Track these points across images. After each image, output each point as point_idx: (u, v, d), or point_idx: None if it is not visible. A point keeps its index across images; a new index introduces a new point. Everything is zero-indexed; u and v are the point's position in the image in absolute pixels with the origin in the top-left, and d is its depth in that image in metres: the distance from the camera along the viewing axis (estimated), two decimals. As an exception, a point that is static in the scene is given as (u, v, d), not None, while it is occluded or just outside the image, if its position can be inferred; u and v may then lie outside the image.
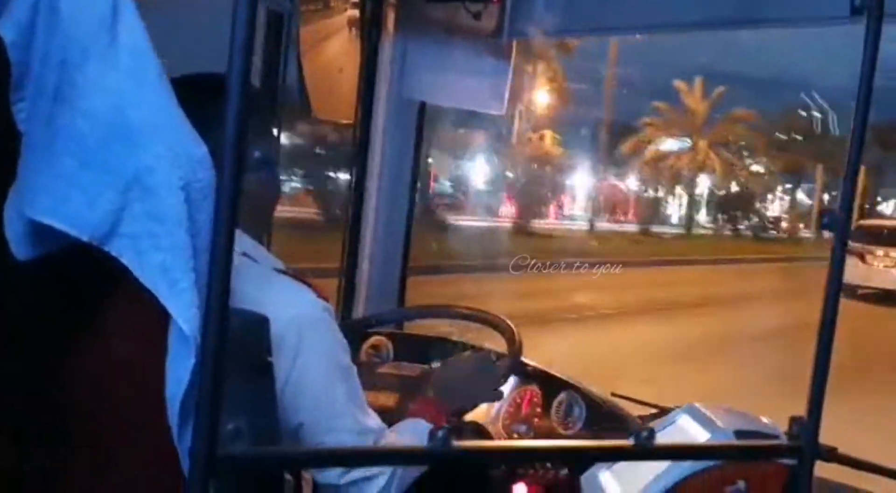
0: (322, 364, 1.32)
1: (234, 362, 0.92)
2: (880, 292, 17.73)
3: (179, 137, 1.02)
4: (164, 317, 1.01)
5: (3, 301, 1.15)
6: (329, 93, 2.66)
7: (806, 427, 1.15)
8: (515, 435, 2.03)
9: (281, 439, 1.22)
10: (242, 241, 1.37)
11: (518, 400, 2.10)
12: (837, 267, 1.17)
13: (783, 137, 42.04)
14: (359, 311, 2.70)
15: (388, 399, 1.82)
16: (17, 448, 1.19)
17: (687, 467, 1.47)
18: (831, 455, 1.80)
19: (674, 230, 38.37)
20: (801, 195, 46.59)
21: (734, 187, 42.96)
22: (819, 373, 1.14)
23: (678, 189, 42.93)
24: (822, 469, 1.78)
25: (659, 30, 2.64)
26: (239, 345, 1.05)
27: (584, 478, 1.68)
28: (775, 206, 47.72)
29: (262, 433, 1.08)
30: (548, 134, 32.91)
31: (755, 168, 43.62)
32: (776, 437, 1.51)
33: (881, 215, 37.41)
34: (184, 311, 0.99)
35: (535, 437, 2.03)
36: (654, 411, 2.11)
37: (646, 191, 42.32)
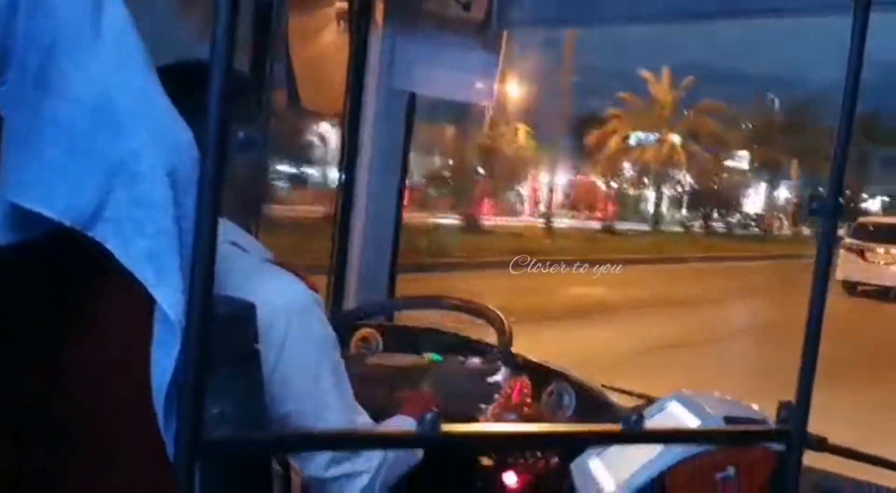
0: (310, 354, 1.31)
1: (221, 348, 0.92)
2: (880, 289, 18.02)
3: (165, 123, 1.02)
4: (150, 304, 1.01)
5: None
6: (318, 84, 2.65)
7: (794, 412, 1.15)
8: None
9: (268, 428, 1.21)
10: (231, 230, 1.36)
11: (508, 391, 2.10)
12: (825, 252, 1.17)
13: (758, 130, 41.19)
14: (349, 304, 2.69)
15: (378, 390, 1.82)
16: (12, 446, 1.18)
17: (677, 453, 1.47)
18: (822, 445, 1.80)
19: (641, 227, 36.85)
20: (777, 191, 45.80)
21: (708, 183, 42.04)
22: (808, 358, 1.15)
23: (646, 184, 41.81)
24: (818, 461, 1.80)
25: (651, 21, 2.65)
26: (225, 332, 1.05)
27: (574, 466, 1.68)
28: (749, 202, 46.67)
29: (248, 421, 1.07)
30: (521, 128, 32.62)
31: (728, 163, 42.70)
32: (765, 423, 1.51)
33: (867, 213, 37.58)
34: (169, 297, 0.98)
35: None
36: (644, 402, 2.11)
37: (609, 186, 41.02)
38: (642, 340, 10.75)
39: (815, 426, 1.38)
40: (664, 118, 38.56)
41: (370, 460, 1.38)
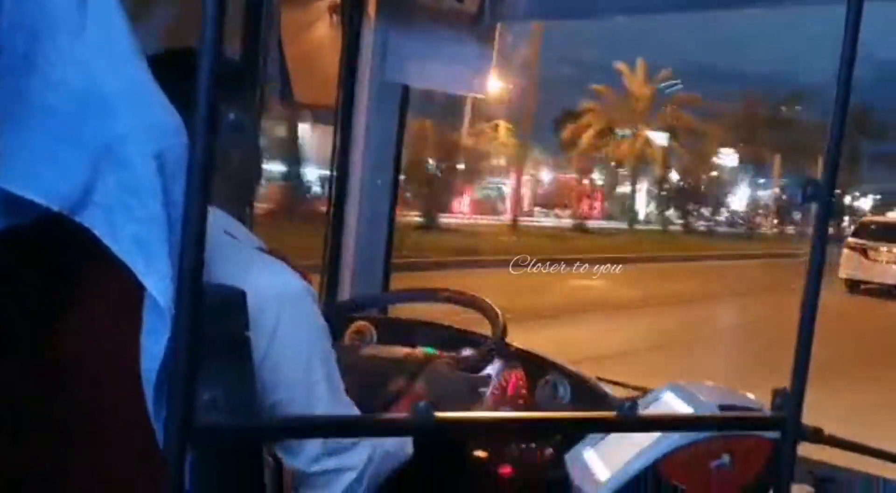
0: (301, 343, 1.30)
1: (211, 335, 0.91)
2: (883, 287, 18.18)
3: (153, 107, 1.01)
4: (139, 292, 1.00)
5: None
6: (310, 78, 2.65)
7: (789, 399, 1.15)
8: None
9: (258, 416, 1.20)
10: (223, 219, 1.35)
11: (503, 383, 2.09)
12: (820, 239, 1.17)
13: (740, 124, 39.69)
14: (343, 298, 2.68)
15: (370, 380, 1.81)
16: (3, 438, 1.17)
17: (671, 441, 1.47)
18: (817, 436, 1.80)
19: (617, 225, 35.72)
20: (760, 188, 44.50)
21: (687, 179, 40.84)
22: (803, 346, 1.14)
23: (621, 181, 40.42)
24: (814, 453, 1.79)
25: (645, 12, 2.64)
26: (215, 319, 1.04)
27: (569, 456, 1.67)
28: (732, 199, 45.52)
29: (239, 408, 1.06)
30: (502, 124, 31.90)
31: (710, 159, 41.33)
32: (760, 411, 1.51)
33: (856, 212, 37.50)
34: (158, 283, 0.97)
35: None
36: (639, 394, 2.10)
37: (582, 183, 39.64)
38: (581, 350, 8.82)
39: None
40: (639, 112, 37.36)
41: (359, 455, 1.35)
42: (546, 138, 36.60)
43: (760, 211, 44.10)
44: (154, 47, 1.32)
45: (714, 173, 42.43)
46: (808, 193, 1.13)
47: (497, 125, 32.00)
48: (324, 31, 2.67)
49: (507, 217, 31.75)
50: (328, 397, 1.32)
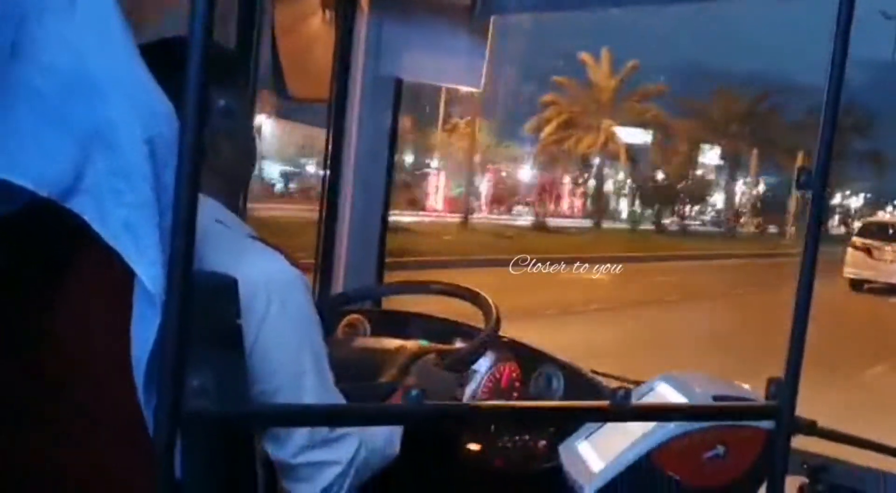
0: (290, 331, 1.28)
1: (202, 322, 0.91)
2: (887, 286, 18.54)
3: (143, 92, 1.00)
4: (129, 278, 0.99)
5: None
6: (304, 72, 2.63)
7: (783, 388, 1.14)
8: None
9: (249, 403, 1.19)
10: (215, 209, 1.35)
11: (497, 375, 2.08)
12: (815, 227, 1.17)
13: (715, 119, 37.72)
14: (336, 291, 2.67)
15: (362, 372, 1.80)
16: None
17: (665, 432, 1.46)
18: (811, 429, 1.80)
19: (581, 224, 34.07)
20: (737, 185, 42.25)
21: (659, 176, 38.90)
22: (797, 335, 1.14)
23: (586, 177, 38.16)
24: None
25: (639, 3, 2.63)
26: (207, 306, 1.03)
27: (563, 448, 1.67)
28: (708, 197, 43.57)
29: (230, 395, 1.06)
30: (476, 120, 30.61)
31: (677, 154, 38.92)
32: (754, 402, 1.50)
33: (847, 212, 37.12)
34: (148, 269, 0.96)
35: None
36: (633, 387, 2.10)
37: (538, 178, 37.63)
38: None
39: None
40: (604, 105, 35.17)
41: (346, 449, 1.33)
42: (522, 134, 35.52)
43: (740, 209, 42.31)
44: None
45: (687, 170, 40.48)
46: (802, 181, 1.13)
47: (471, 120, 30.81)
48: (317, 25, 2.66)
49: (477, 216, 30.81)
50: (316, 388, 1.30)
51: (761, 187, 42.69)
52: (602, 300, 14.73)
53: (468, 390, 2.03)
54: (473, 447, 1.92)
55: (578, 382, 2.03)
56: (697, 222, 41.35)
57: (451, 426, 1.86)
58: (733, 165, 40.68)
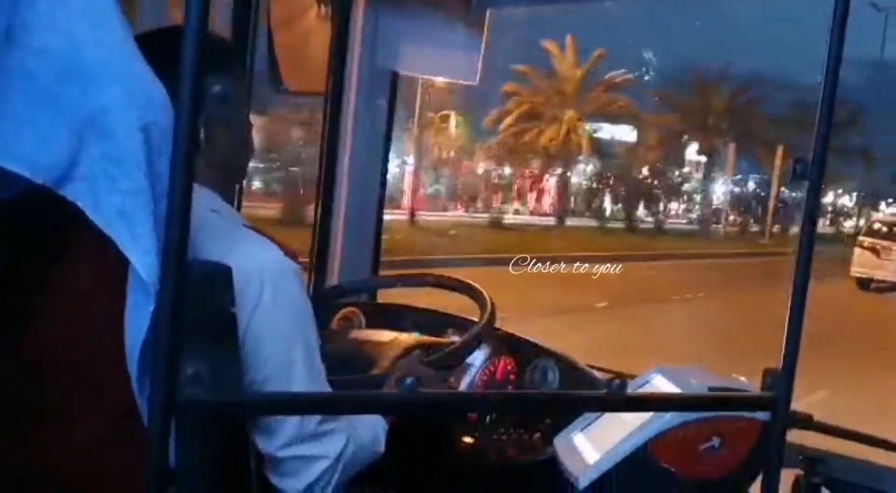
0: (282, 321, 1.27)
1: (196, 310, 0.90)
2: (892, 285, 18.91)
3: (138, 79, 0.99)
4: (124, 266, 0.99)
5: None
6: (299, 64, 2.63)
7: (779, 379, 1.14)
8: None
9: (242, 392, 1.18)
10: (210, 199, 1.34)
11: (492, 369, 2.08)
12: (811, 218, 1.17)
13: (690, 112, 35.38)
14: (331, 284, 2.67)
15: (355, 363, 1.80)
16: None
17: (661, 423, 1.46)
18: (807, 423, 1.80)
19: (545, 221, 31.95)
20: (714, 182, 39.21)
21: (627, 172, 36.80)
22: (794, 326, 1.14)
23: (551, 173, 35.53)
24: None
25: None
26: (201, 294, 1.03)
27: (557, 440, 1.66)
28: (684, 194, 41.23)
29: (224, 384, 1.05)
30: (452, 115, 29.73)
31: (646, 146, 36.65)
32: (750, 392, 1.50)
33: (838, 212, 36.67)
34: (142, 256, 0.96)
35: None
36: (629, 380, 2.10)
37: (500, 173, 35.54)
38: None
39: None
40: (568, 96, 32.86)
41: (335, 444, 1.32)
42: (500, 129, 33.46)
43: (718, 206, 39.33)
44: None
45: (661, 165, 38.13)
46: (798, 172, 1.13)
47: (447, 116, 29.90)
48: (313, 18, 2.65)
49: (452, 213, 29.67)
50: (305, 379, 1.29)
51: (741, 184, 41.25)
52: (513, 306, 12.79)
53: (463, 384, 2.03)
54: (468, 439, 1.92)
55: (574, 375, 2.03)
56: (679, 221, 39.60)
57: (445, 417, 1.85)
58: (711, 160, 38.25)
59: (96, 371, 1.09)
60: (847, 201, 46.58)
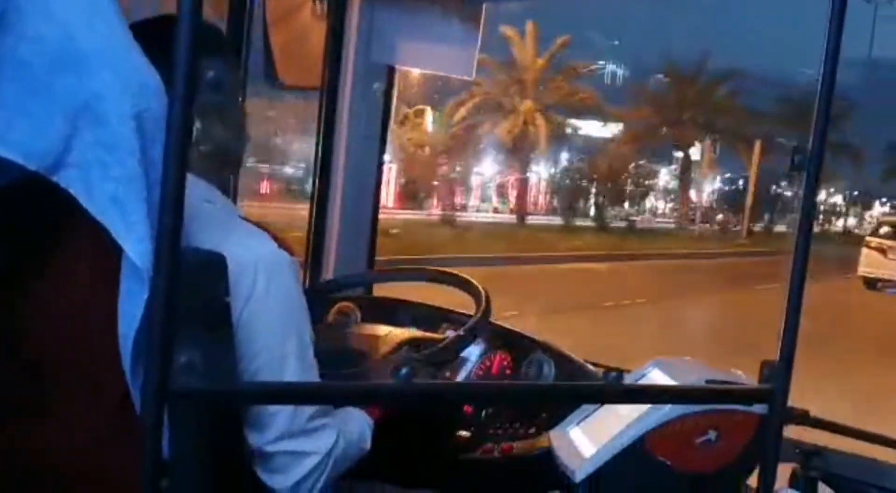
0: (275, 313, 1.26)
1: (190, 299, 0.89)
2: None
3: (131, 66, 0.99)
4: (117, 254, 0.98)
5: None
6: (295, 58, 2.62)
7: (776, 371, 1.14)
8: None
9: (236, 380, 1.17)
10: (205, 190, 1.33)
11: (488, 363, 2.08)
12: (808, 210, 1.16)
13: (662, 104, 33.76)
14: (326, 278, 2.66)
15: (349, 358, 1.79)
16: None
17: (657, 416, 1.46)
18: (803, 419, 1.80)
19: (506, 219, 30.63)
20: (687, 178, 37.22)
21: (594, 167, 34.80)
22: (791, 319, 1.14)
23: (513, 167, 33.21)
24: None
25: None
26: (195, 283, 1.02)
27: (553, 434, 1.66)
28: (656, 191, 40.08)
29: (218, 373, 1.05)
30: (427, 110, 28.24)
31: (613, 140, 35.02)
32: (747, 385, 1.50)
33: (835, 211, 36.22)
34: (136, 244, 0.95)
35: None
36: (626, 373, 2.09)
37: (456, 169, 32.96)
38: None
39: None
40: (529, 85, 30.72)
41: (325, 440, 1.31)
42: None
43: (693, 204, 37.78)
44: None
45: (628, 161, 36.17)
46: (796, 162, 1.12)
47: (422, 111, 28.17)
48: (309, 12, 2.65)
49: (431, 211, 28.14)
50: (297, 373, 1.28)
51: (718, 181, 39.85)
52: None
53: (459, 379, 2.02)
54: (464, 433, 1.91)
55: (570, 369, 2.02)
56: (662, 219, 38.55)
57: (440, 408, 1.84)
58: (686, 156, 36.41)
59: (91, 359, 1.08)
60: (838, 200, 46.43)
